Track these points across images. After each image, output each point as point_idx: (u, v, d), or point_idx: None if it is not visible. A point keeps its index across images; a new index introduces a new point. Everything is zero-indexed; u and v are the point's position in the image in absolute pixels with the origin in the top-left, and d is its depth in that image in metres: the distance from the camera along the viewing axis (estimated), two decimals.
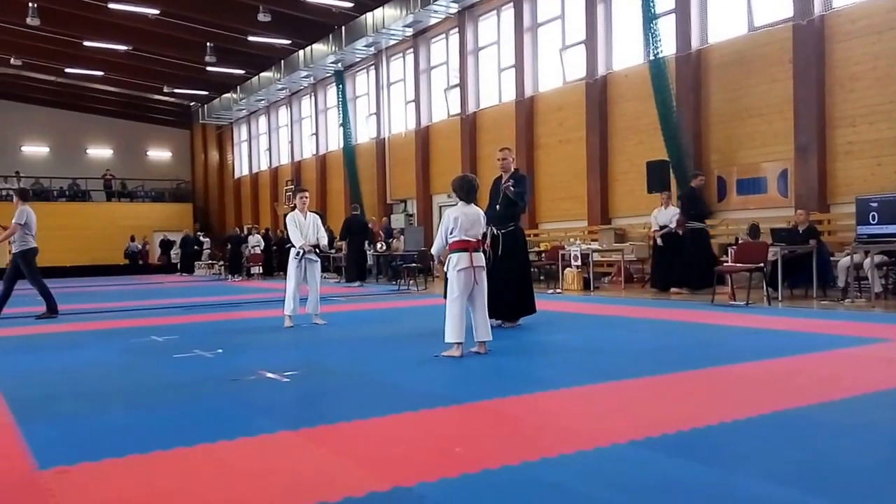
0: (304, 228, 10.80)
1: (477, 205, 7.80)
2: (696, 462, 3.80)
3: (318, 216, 11.24)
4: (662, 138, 18.03)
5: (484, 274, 7.53)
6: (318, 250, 11.00)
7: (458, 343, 7.33)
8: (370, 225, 25.58)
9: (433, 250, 7.83)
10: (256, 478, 3.71)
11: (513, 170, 10.01)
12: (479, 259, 7.48)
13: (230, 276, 28.90)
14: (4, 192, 42.01)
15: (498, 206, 9.79)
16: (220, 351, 8.29)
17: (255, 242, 29.20)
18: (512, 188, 9.60)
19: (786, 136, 16.16)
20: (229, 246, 30.56)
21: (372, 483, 3.55)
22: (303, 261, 10.77)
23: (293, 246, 10.89)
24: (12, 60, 34.92)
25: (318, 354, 8.26)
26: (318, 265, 11.09)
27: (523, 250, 9.88)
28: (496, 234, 9.61)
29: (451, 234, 7.46)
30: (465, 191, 7.57)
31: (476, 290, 7.43)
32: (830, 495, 3.27)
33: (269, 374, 6.60)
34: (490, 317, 7.85)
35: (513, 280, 9.67)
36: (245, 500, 3.37)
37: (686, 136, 17.93)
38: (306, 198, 11.06)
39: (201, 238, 38.16)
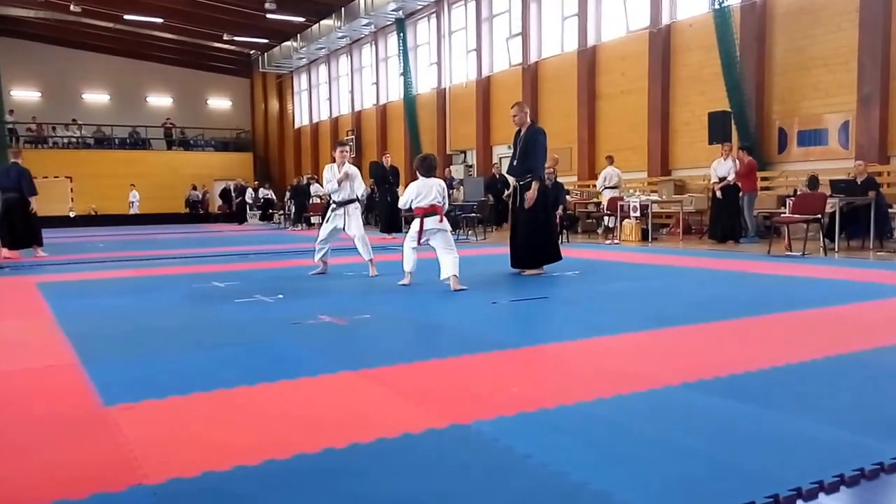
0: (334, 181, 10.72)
1: (435, 177, 9.12)
2: (749, 404, 3.82)
3: (353, 167, 10.99)
4: (725, 89, 17.82)
5: (438, 234, 8.89)
6: (347, 206, 10.67)
7: (408, 272, 9.19)
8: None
9: (400, 204, 9.82)
10: (317, 414, 3.82)
11: (528, 123, 10.25)
12: (429, 222, 8.88)
13: (292, 226, 29.06)
14: (66, 140, 42.60)
15: (515, 161, 10.24)
16: (281, 296, 8.43)
17: (316, 192, 29.36)
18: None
19: (849, 87, 15.87)
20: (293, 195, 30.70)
21: (430, 420, 3.63)
22: (332, 214, 10.78)
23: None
24: (72, 7, 34.98)
25: (378, 301, 8.34)
26: (353, 218, 10.67)
27: (541, 201, 10.06)
28: (516, 185, 10.36)
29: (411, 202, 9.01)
30: (426, 168, 9.14)
31: (433, 241, 8.93)
32: (883, 437, 3.29)
33: (329, 319, 6.70)
34: (513, 266, 10.30)
35: (530, 229, 10.16)
36: (306, 436, 3.45)
37: (749, 86, 17.70)
38: (346, 152, 10.92)
39: (250, 188, 37.45)
